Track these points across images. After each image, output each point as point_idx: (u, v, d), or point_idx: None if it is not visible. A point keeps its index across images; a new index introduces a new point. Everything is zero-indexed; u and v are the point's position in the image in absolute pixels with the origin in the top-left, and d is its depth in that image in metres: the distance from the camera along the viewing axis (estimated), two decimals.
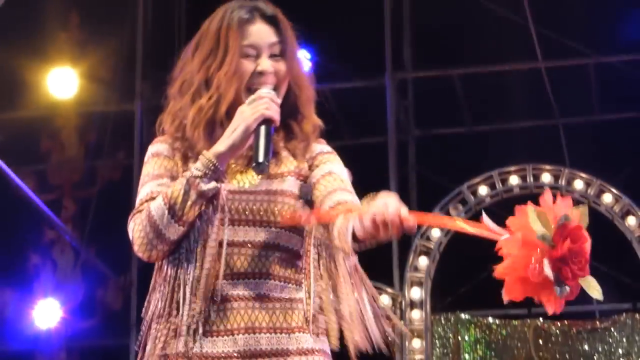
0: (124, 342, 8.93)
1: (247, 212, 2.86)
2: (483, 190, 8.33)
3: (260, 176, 2.86)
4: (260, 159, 2.73)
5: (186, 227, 2.76)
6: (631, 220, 8.01)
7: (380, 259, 9.39)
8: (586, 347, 8.07)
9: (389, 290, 8.82)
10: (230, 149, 2.76)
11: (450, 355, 8.25)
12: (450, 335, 8.29)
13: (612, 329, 8.07)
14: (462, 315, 8.29)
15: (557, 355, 7.95)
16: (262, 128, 2.79)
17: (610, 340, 8.05)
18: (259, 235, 2.83)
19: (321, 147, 3.00)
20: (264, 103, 2.79)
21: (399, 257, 8.75)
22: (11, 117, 9.59)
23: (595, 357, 8.06)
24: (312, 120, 2.98)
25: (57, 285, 9.54)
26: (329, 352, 2.84)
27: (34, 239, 9.91)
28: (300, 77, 2.98)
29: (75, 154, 10.11)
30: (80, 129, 10.09)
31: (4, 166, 8.37)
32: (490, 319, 8.33)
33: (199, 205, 2.77)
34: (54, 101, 9.72)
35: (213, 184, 2.77)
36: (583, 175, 8.15)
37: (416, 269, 8.37)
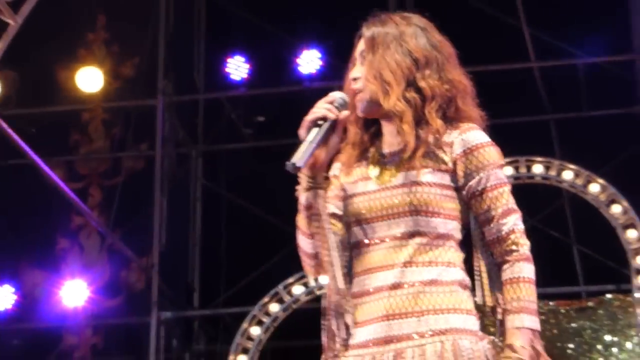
0: (145, 320, 9.04)
1: (381, 209, 2.78)
2: None
3: (398, 172, 2.77)
4: (292, 159, 2.65)
5: (314, 238, 2.76)
6: (615, 208, 8.11)
7: None
8: (574, 324, 8.16)
9: None
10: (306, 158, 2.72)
11: None
12: None
13: (599, 309, 8.16)
14: None
15: (546, 333, 7.99)
16: (312, 130, 2.72)
17: (596, 319, 8.13)
18: (398, 227, 2.75)
19: (470, 139, 2.80)
20: (315, 107, 2.76)
21: None
22: (43, 112, 9.66)
23: (583, 334, 8.14)
24: (434, 122, 2.80)
25: (83, 267, 9.54)
26: (472, 329, 2.70)
27: (63, 225, 9.87)
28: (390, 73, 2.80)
29: (101, 146, 10.06)
30: (107, 123, 10.06)
31: (36, 157, 8.35)
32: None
33: (308, 217, 2.77)
34: (83, 97, 9.77)
35: (306, 195, 2.75)
36: (572, 166, 8.25)
37: None
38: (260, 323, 8.48)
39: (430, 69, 2.79)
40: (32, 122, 9.46)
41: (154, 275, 9.10)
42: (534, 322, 2.66)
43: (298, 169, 2.65)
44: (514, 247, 2.72)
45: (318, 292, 8.34)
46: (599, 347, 8.09)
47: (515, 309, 2.66)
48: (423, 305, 2.68)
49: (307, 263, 2.83)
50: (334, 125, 2.73)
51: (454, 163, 2.76)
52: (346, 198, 2.83)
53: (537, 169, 8.29)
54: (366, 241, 2.77)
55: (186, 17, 9.80)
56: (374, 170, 2.83)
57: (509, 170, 8.21)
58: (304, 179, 2.76)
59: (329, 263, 2.76)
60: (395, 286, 2.69)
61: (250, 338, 8.44)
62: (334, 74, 9.75)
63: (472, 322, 2.71)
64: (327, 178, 2.84)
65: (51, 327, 9.45)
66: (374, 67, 2.78)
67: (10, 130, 8.86)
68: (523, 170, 8.30)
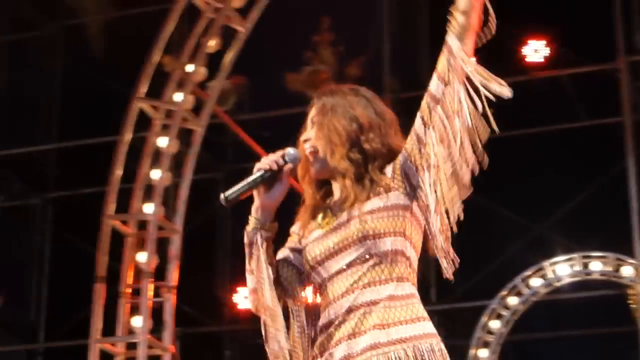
0: None
1: (331, 247, 3.10)
2: None
3: (342, 213, 3.10)
4: (225, 193, 3.07)
5: (253, 274, 3.11)
6: None
7: (619, 231, 9.36)
8: None
9: (631, 260, 8.77)
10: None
11: None
12: None
13: None
14: None
15: None
16: (255, 174, 3.12)
17: None
18: (350, 257, 3.06)
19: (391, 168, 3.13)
20: (265, 158, 3.13)
21: None
22: (275, 115, 10.27)
23: None
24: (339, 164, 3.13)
25: None
26: (430, 332, 3.00)
27: None
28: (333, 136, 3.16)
29: None
30: None
31: None
32: None
33: (249, 254, 3.14)
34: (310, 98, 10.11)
35: (249, 234, 3.14)
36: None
37: None
38: (499, 316, 8.52)
39: (373, 132, 3.13)
40: (265, 126, 9.89)
41: None
42: None
43: (227, 202, 3.06)
44: None
45: (556, 284, 8.32)
46: None
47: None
48: (384, 320, 2.99)
49: (249, 299, 3.17)
50: (277, 175, 3.10)
51: (393, 180, 3.09)
52: (303, 250, 3.16)
53: (595, 266, 8.90)
54: (325, 279, 3.10)
55: (409, 14, 9.96)
56: (322, 220, 3.18)
57: (566, 269, 8.29)
58: (251, 219, 3.13)
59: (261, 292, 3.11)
60: (353, 309, 3.02)
61: (490, 332, 8.49)
62: (559, 60, 9.70)
63: (430, 327, 3.02)
64: (274, 222, 3.15)
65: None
66: (322, 130, 3.14)
67: (244, 135, 9.30)
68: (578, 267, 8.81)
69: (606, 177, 10.02)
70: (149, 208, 7.99)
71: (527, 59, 9.43)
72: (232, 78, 9.42)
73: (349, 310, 3.05)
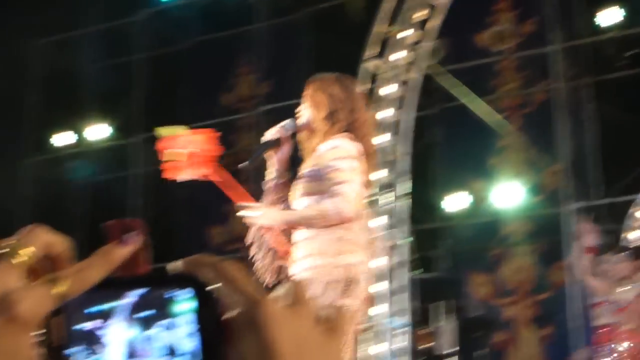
0: None
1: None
2: None
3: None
4: (245, 163, 3.78)
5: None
6: None
7: None
8: None
9: None
10: None
11: None
12: None
13: None
14: None
15: None
16: (263, 144, 3.90)
17: None
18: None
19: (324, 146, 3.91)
20: (270, 130, 4.00)
21: None
22: (465, 67, 11.04)
23: None
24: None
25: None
26: None
27: (491, 146, 11.00)
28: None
29: (514, 86, 11.01)
30: (517, 68, 11.00)
31: (467, 102, 9.94)
32: None
33: (266, 195, 4.02)
34: (494, 53, 11.11)
35: (268, 183, 4.00)
36: None
37: None
38: None
39: (345, 104, 3.98)
40: (462, 74, 10.85)
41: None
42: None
43: (250, 164, 3.79)
44: None
45: None
46: None
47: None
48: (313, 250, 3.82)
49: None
50: (278, 141, 3.96)
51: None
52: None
53: None
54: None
55: None
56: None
57: None
58: (270, 172, 3.98)
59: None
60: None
61: None
62: None
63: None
64: (288, 171, 3.99)
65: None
66: (312, 102, 4.03)
67: (448, 81, 10.51)
68: None
69: None
70: (383, 138, 9.07)
71: None
72: (436, 39, 10.08)
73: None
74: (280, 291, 0.79)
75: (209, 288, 0.76)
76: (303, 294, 0.78)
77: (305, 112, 3.98)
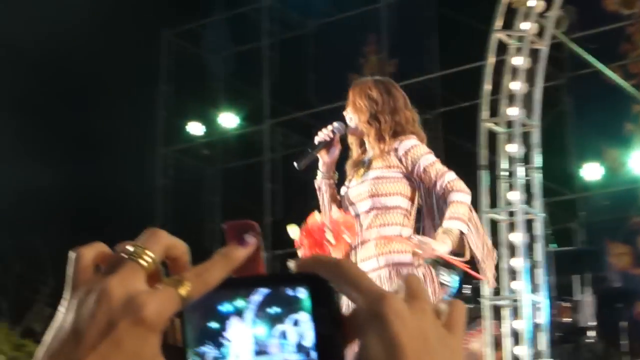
0: None
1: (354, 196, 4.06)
2: None
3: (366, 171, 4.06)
4: (296, 162, 3.91)
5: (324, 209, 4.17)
6: None
7: None
8: None
9: None
10: None
11: None
12: None
13: None
14: None
15: None
16: (315, 146, 4.01)
17: None
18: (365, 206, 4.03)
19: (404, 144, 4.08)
20: (320, 132, 4.12)
21: None
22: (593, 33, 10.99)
23: None
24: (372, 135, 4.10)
25: None
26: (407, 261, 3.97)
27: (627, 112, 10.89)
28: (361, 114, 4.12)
29: None
30: None
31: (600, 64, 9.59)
32: None
33: (319, 195, 4.18)
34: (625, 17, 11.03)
35: (318, 181, 4.18)
36: None
37: None
38: None
39: (386, 106, 4.13)
40: (591, 41, 10.64)
41: None
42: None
43: (300, 166, 3.92)
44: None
45: None
46: None
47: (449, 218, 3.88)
48: (381, 250, 3.94)
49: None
50: (331, 142, 4.11)
51: (400, 161, 4.04)
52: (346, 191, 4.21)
53: None
54: (353, 214, 4.10)
55: None
56: (357, 172, 4.19)
57: None
58: (319, 173, 4.16)
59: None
60: (366, 240, 4.04)
61: None
62: None
63: (406, 257, 3.88)
64: (335, 173, 4.17)
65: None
66: (354, 108, 4.20)
67: (578, 48, 10.28)
68: None
69: None
70: (513, 111, 8.61)
71: None
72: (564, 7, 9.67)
73: (363, 241, 4.03)
74: (398, 286, 0.79)
75: (328, 285, 0.77)
76: (421, 288, 0.78)
77: (351, 116, 4.17)
